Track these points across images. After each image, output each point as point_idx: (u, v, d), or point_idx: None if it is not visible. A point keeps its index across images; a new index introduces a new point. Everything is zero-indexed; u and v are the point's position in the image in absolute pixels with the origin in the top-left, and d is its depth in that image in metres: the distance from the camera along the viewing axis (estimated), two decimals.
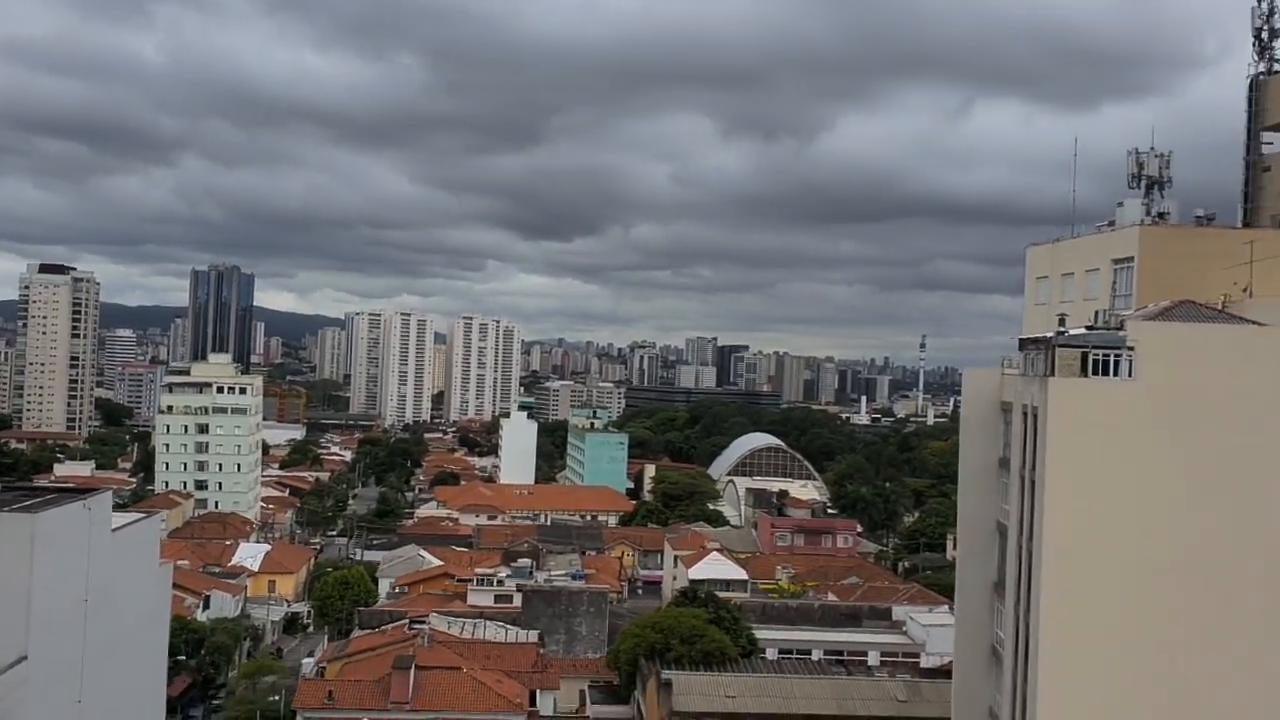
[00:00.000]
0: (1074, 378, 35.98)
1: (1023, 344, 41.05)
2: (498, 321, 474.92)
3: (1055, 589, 35.42)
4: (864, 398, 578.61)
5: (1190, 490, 34.83)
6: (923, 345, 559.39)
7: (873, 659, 78.59)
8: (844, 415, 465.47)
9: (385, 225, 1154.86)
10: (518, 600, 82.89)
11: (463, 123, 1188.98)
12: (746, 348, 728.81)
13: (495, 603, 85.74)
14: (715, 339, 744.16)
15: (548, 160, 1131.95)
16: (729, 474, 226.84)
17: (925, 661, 71.11)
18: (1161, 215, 44.07)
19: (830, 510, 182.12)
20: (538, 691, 63.77)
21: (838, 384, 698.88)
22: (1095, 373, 36.04)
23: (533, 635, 75.40)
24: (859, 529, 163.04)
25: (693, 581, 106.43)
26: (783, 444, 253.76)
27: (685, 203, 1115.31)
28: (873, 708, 53.09)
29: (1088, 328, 38.24)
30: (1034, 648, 36.08)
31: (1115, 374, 35.92)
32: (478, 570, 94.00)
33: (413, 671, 59.39)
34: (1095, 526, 35.18)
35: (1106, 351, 36.00)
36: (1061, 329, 37.62)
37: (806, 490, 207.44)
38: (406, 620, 73.44)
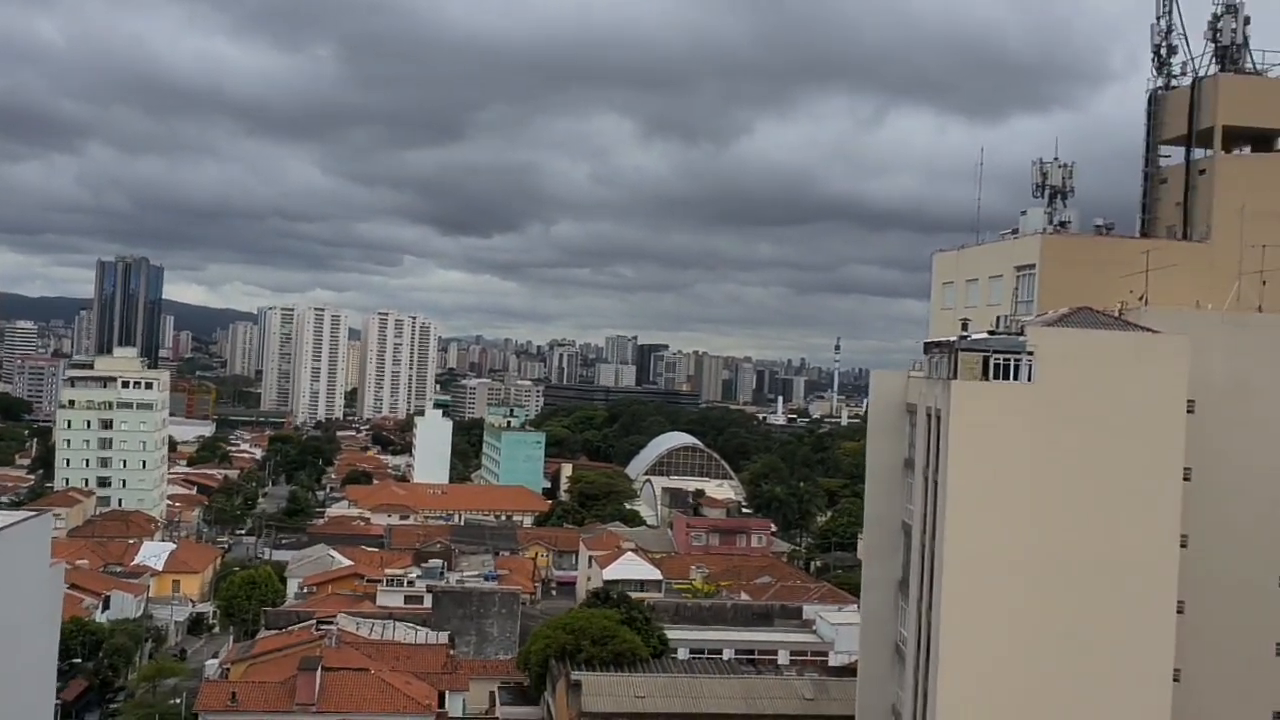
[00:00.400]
0: (976, 380, 36.73)
1: (927, 347, 41.81)
2: (414, 318, 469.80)
3: (955, 587, 36.13)
4: (780, 398, 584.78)
5: (1083, 490, 35.81)
6: (837, 347, 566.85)
7: (783, 658, 79.21)
8: (761, 415, 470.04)
9: (299, 218, 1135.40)
10: (429, 601, 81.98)
11: (380, 116, 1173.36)
12: (666, 347, 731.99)
13: (405, 604, 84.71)
14: (635, 338, 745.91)
15: (467, 156, 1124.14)
16: (646, 473, 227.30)
17: (834, 660, 71.93)
18: (1063, 224, 45.22)
19: (745, 510, 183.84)
20: (447, 693, 63.12)
21: (755, 384, 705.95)
22: (996, 376, 36.83)
23: (443, 636, 74.64)
24: (773, 528, 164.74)
25: (607, 582, 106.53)
26: (700, 443, 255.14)
27: (605, 201, 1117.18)
28: (780, 706, 53.64)
29: (990, 332, 39.05)
30: (934, 645, 36.77)
31: (1015, 377, 36.76)
32: (388, 571, 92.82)
33: (319, 673, 58.39)
34: (993, 525, 35.98)
35: (1007, 356, 36.82)
36: (964, 333, 38.40)
37: (723, 490, 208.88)
38: (314, 621, 72.21)
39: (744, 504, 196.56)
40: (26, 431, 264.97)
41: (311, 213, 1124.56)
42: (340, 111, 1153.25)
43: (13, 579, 29.42)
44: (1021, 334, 37.34)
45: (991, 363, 36.95)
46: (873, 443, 45.53)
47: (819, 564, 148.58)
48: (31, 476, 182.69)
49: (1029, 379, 36.60)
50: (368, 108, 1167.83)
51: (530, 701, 63.10)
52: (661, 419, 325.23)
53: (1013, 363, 36.79)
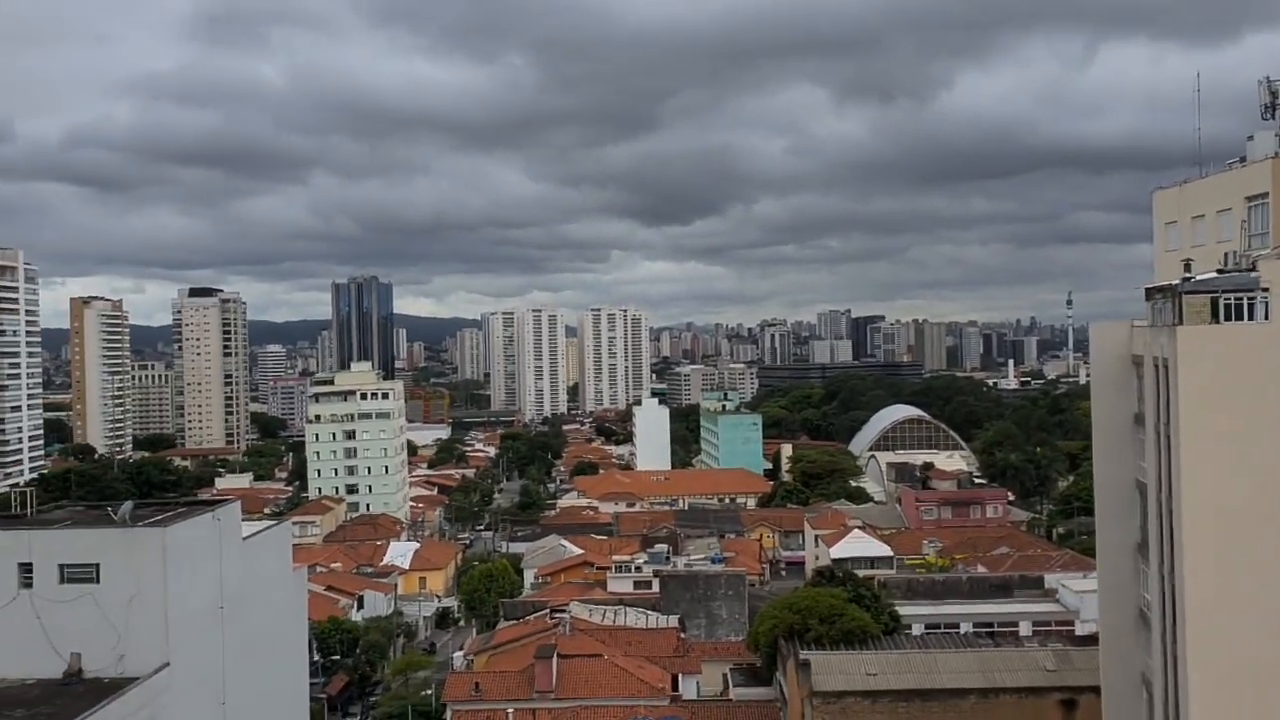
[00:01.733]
0: (1204, 325, 34.03)
1: (1149, 293, 39.04)
2: (625, 311, 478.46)
3: (1198, 547, 33.64)
4: (1011, 361, 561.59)
5: None
6: (1069, 302, 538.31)
7: (1024, 629, 76.31)
8: (990, 381, 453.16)
9: (510, 225, 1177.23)
10: (656, 586, 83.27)
11: (577, 116, 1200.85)
12: (882, 318, 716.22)
13: (634, 589, 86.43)
14: (848, 311, 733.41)
15: (663, 145, 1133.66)
16: (870, 449, 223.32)
17: (1080, 629, 68.67)
18: None
19: (978, 480, 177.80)
20: (680, 676, 64.01)
21: (982, 348, 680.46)
22: (1227, 318, 34.01)
23: (673, 620, 75.73)
24: (1010, 497, 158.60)
25: (835, 560, 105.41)
26: (926, 414, 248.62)
27: (804, 174, 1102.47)
28: (1020, 679, 51.46)
29: (1218, 271, 36.12)
30: (1180, 611, 34.40)
31: (1249, 318, 33.84)
32: (616, 558, 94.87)
33: (555, 660, 60.34)
34: (1234, 479, 33.26)
35: (1238, 295, 33.91)
36: (1188, 274, 35.62)
37: (953, 461, 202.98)
38: (548, 610, 74.65)
39: (976, 474, 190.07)
40: (283, 447, 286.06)
41: (522, 219, 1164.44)
42: (539, 116, 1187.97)
43: (262, 582, 31.74)
44: (1253, 270, 34.32)
45: (1221, 304, 34.11)
46: (1098, 399, 42.93)
47: (1061, 531, 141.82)
48: (290, 488, 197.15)
49: (1265, 318, 33.62)
50: (564, 109, 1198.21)
51: (762, 682, 63.02)
52: (882, 392, 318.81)
53: (1245, 302, 33.85)
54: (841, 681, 51.16)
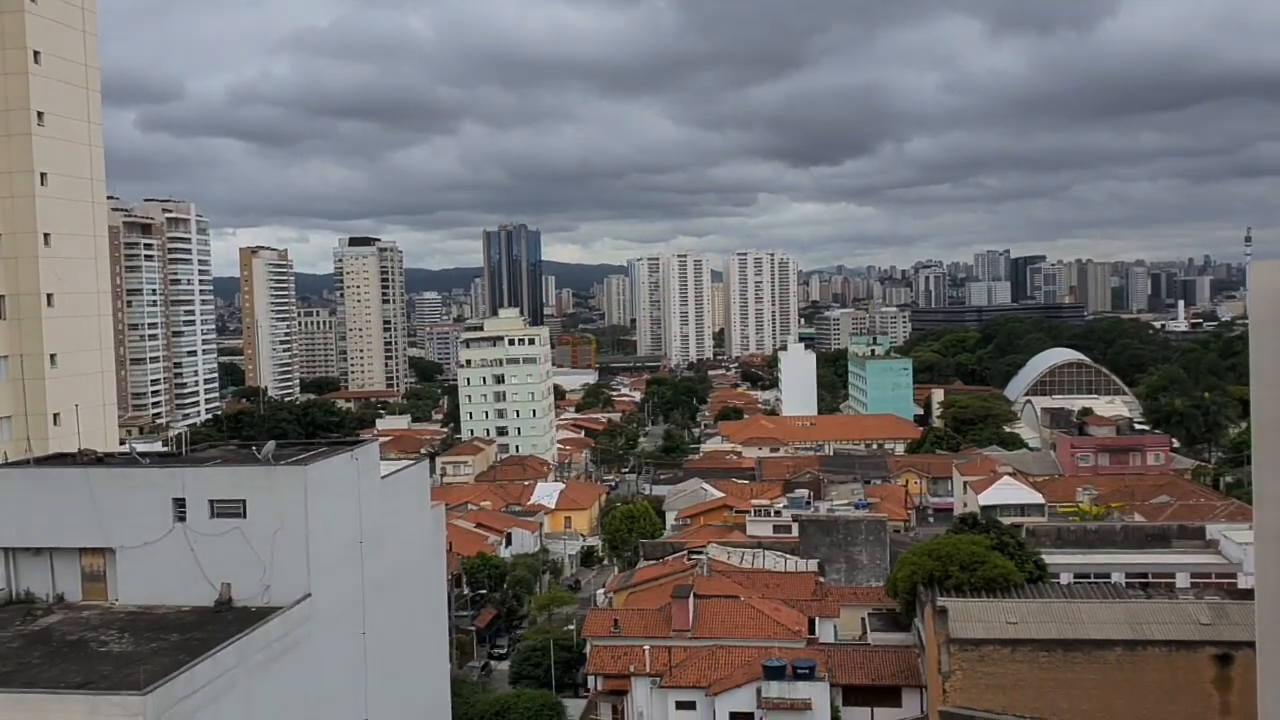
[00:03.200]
0: None
1: None
2: (772, 254, 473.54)
3: None
4: (1181, 302, 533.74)
5: None
6: (1248, 239, 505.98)
7: (1182, 581, 73.39)
8: (1158, 323, 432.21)
9: (655, 170, 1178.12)
10: (796, 530, 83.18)
11: (721, 58, 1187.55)
12: (1043, 258, 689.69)
13: (774, 533, 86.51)
14: (1007, 251, 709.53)
15: (811, 83, 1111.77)
16: (1026, 394, 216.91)
17: (1243, 582, 65.74)
18: None
19: (1140, 426, 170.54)
20: (817, 619, 64.01)
21: (1150, 289, 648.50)
22: None
23: (812, 564, 75.66)
24: (1174, 444, 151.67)
25: (983, 507, 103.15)
26: (1086, 359, 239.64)
27: (959, 111, 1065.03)
28: (1171, 631, 49.41)
29: None
30: None
31: None
32: (755, 502, 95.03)
33: (692, 600, 61.08)
34: None
35: None
36: None
37: (1113, 406, 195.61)
38: (685, 551, 75.49)
39: (1138, 420, 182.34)
40: (439, 390, 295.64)
41: (667, 163, 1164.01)
42: (682, 59, 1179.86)
43: (400, 519, 33.05)
44: None
45: None
46: (1257, 342, 40.47)
47: (1229, 480, 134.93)
48: (445, 430, 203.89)
49: None
50: (708, 51, 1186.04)
51: (901, 628, 62.50)
52: (1040, 335, 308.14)
53: None
54: (980, 629, 50.20)
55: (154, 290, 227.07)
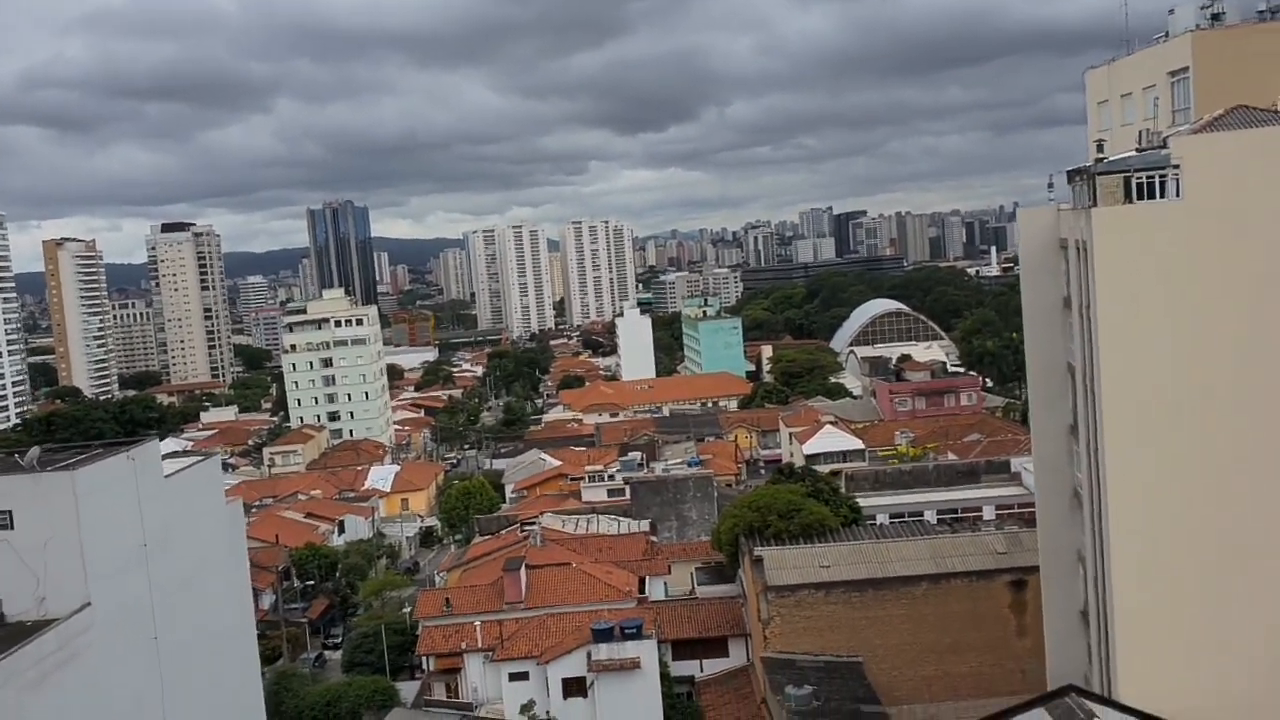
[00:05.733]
0: (1117, 205, 33.95)
1: (1070, 176, 38.86)
2: (607, 222, 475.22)
3: (1117, 426, 34.07)
4: (994, 248, 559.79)
5: (1246, 312, 32.76)
6: (1050, 185, 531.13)
7: (988, 514, 77.72)
8: (973, 270, 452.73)
9: (482, 140, 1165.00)
10: (629, 494, 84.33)
11: (539, 25, 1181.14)
12: (864, 213, 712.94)
13: (609, 497, 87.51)
14: (830, 208, 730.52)
15: (631, 50, 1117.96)
16: (850, 345, 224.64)
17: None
18: (1217, 17, 40.67)
19: (955, 369, 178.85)
20: (647, 579, 65.18)
21: (965, 237, 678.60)
22: (1139, 197, 33.92)
23: (644, 525, 76.97)
24: (987, 384, 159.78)
25: (807, 457, 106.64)
26: (905, 307, 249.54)
27: (775, 74, 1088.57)
28: (971, 563, 52.38)
29: (1137, 150, 35.91)
30: (1103, 489, 35.03)
31: (1162, 196, 33.74)
32: (589, 468, 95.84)
33: (523, 571, 61.34)
34: (1151, 360, 33.47)
35: (1150, 173, 33.76)
36: (1100, 155, 35.44)
37: (931, 352, 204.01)
38: (518, 524, 75.65)
39: (955, 363, 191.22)
40: (268, 378, 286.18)
41: (494, 134, 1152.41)
42: (499, 26, 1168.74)
43: (190, 519, 32.07)
44: (1164, 147, 34.10)
45: (1133, 183, 33.99)
46: (1027, 284, 43.02)
47: None
48: (274, 419, 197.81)
49: (1176, 195, 33.51)
50: (525, 18, 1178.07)
51: (727, 580, 64.24)
52: (863, 288, 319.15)
53: (1157, 180, 33.74)
54: (795, 575, 52.13)
55: None
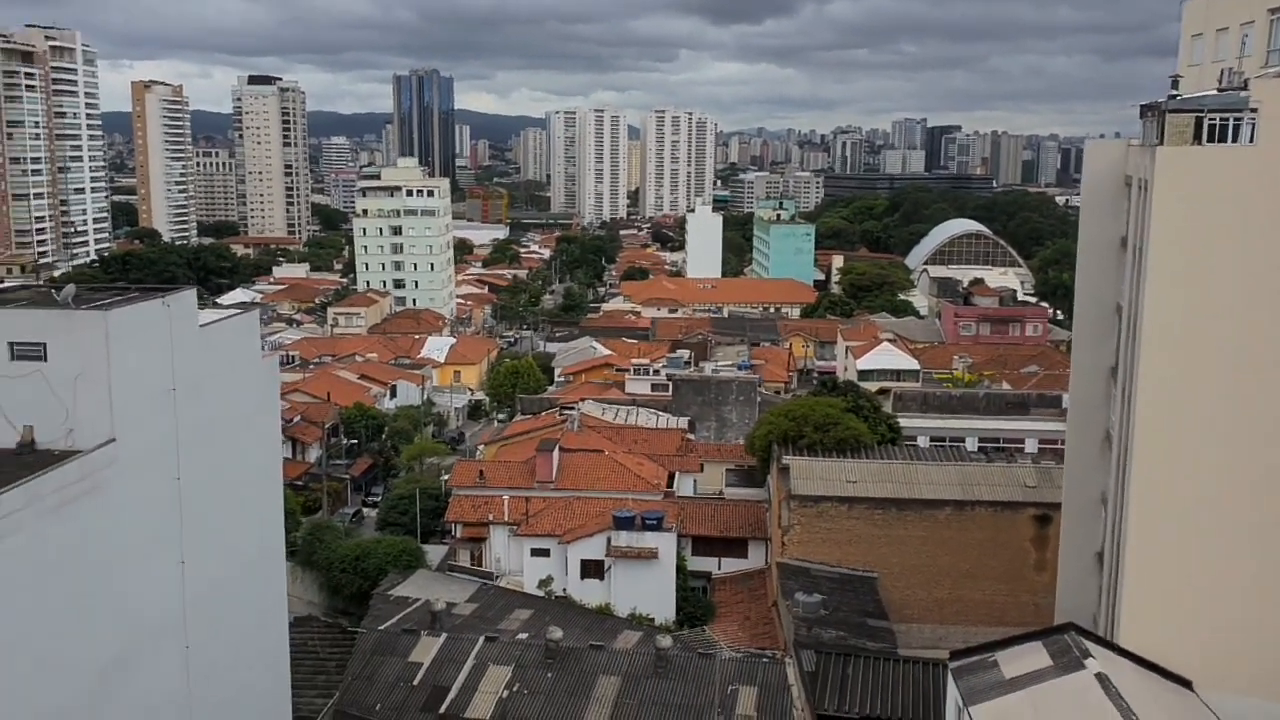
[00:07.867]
0: (1184, 146, 32.63)
1: (1142, 111, 37.34)
2: (690, 114, 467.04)
3: (1153, 373, 33.38)
4: None
5: None
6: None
7: (1030, 446, 77.11)
8: (1063, 198, 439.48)
9: (574, 19, 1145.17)
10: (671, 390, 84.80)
11: None
12: (958, 128, 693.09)
13: (651, 391, 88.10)
14: (924, 120, 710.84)
15: None
16: (925, 263, 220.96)
17: None
18: None
19: (1026, 298, 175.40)
20: (678, 474, 65.92)
21: (1060, 164, 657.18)
22: (1210, 139, 32.53)
23: (682, 422, 77.55)
24: (1058, 316, 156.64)
25: (860, 372, 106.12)
26: (986, 230, 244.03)
27: None
28: (998, 493, 52.18)
29: (1217, 89, 34.32)
30: (1130, 434, 34.51)
31: (1234, 140, 32.33)
32: (635, 361, 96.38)
33: (556, 453, 62.37)
34: (1197, 306, 32.57)
35: (1224, 115, 32.31)
36: (1174, 92, 33.94)
37: (1006, 278, 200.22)
38: (558, 407, 76.64)
39: (1027, 292, 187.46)
40: (342, 240, 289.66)
41: (586, 12, 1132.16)
42: None
43: (221, 369, 32.94)
44: (1244, 89, 32.53)
45: (1205, 124, 32.57)
46: (1087, 220, 41.91)
47: None
48: (343, 280, 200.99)
49: (1250, 140, 32.08)
50: None
51: (756, 484, 64.83)
52: (946, 206, 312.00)
53: (1231, 123, 32.29)
54: (820, 487, 52.41)
55: (37, 123, 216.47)
